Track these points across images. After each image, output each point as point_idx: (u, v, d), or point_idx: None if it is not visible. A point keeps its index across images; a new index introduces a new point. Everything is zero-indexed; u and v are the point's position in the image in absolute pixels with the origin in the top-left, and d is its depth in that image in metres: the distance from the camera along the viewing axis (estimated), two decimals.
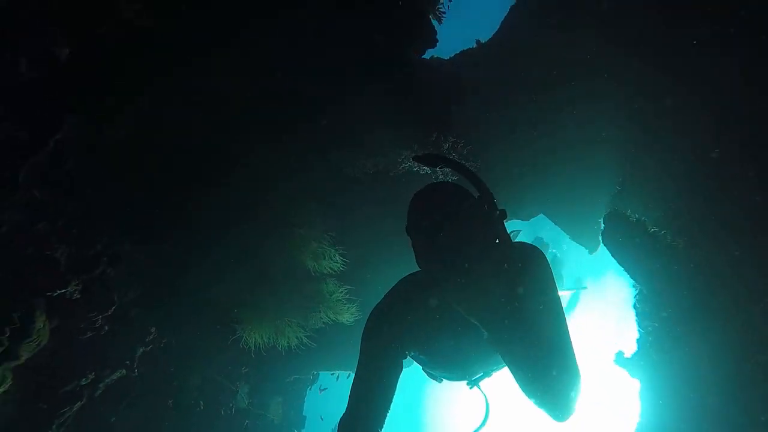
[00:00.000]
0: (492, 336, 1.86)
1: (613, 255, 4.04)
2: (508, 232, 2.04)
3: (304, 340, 6.21)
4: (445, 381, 2.63)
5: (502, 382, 2.57)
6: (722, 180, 4.20)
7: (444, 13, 6.29)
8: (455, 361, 2.31)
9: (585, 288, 9.64)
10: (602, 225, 4.19)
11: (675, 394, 4.20)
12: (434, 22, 6.26)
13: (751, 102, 4.26)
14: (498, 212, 2.01)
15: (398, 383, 2.19)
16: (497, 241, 1.99)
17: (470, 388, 2.61)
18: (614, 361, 5.18)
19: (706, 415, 3.83)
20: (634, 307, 4.32)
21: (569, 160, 7.18)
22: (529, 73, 6.80)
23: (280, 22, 4.17)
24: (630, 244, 3.82)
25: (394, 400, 2.15)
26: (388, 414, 2.12)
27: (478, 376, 2.53)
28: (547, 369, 1.82)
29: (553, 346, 1.87)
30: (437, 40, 5.80)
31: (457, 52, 6.93)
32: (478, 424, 2.66)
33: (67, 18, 3.42)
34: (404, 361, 2.26)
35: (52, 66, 3.49)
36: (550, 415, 1.88)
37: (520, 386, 1.92)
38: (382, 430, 2.10)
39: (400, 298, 2.23)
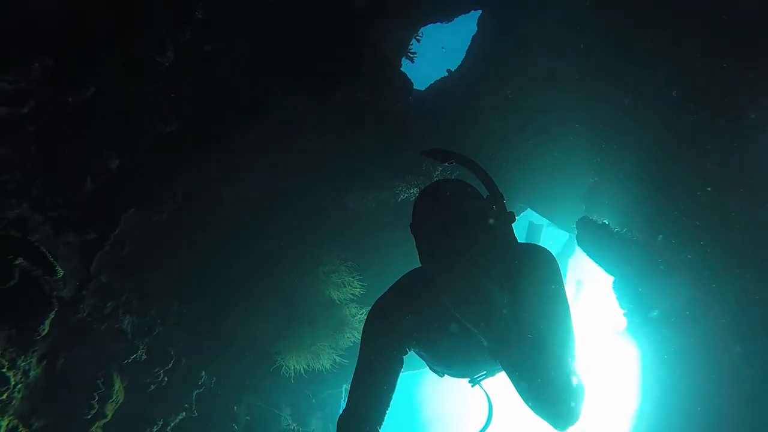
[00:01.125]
0: (492, 345, 1.78)
1: (588, 255, 4.77)
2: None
3: (337, 359, 7.00)
4: (447, 377, 2.59)
5: (506, 381, 2.38)
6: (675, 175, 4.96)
7: (415, 53, 7.08)
8: (456, 360, 2.26)
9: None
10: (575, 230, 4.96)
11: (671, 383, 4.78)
12: (406, 61, 7.06)
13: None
14: (507, 214, 1.97)
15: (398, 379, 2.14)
16: (503, 245, 1.94)
17: (472, 386, 2.52)
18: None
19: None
20: (615, 293, 5.05)
21: (548, 162, 7.95)
22: (496, 89, 7.57)
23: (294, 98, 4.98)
24: (600, 243, 4.56)
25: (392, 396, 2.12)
26: (387, 411, 2.07)
27: (480, 375, 2.50)
28: (549, 382, 1.74)
29: (558, 359, 1.79)
30: (411, 83, 6.56)
31: (432, 82, 7.68)
32: (481, 426, 2.57)
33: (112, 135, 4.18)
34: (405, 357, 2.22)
35: (107, 176, 4.25)
36: (551, 425, 1.81)
37: (519, 395, 1.86)
38: (381, 427, 2.05)
39: (402, 295, 2.17)
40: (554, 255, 2.09)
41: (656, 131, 5.27)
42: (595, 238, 4.64)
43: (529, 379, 1.76)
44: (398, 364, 2.12)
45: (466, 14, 7.03)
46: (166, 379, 5.99)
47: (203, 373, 6.68)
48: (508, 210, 1.99)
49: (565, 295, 1.97)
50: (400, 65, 6.86)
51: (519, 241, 2.19)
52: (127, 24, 3.54)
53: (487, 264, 1.77)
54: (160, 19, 3.71)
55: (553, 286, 1.95)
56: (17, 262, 3.45)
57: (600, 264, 4.77)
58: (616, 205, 5.46)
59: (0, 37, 3.06)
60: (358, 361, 2.11)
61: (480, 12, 7.08)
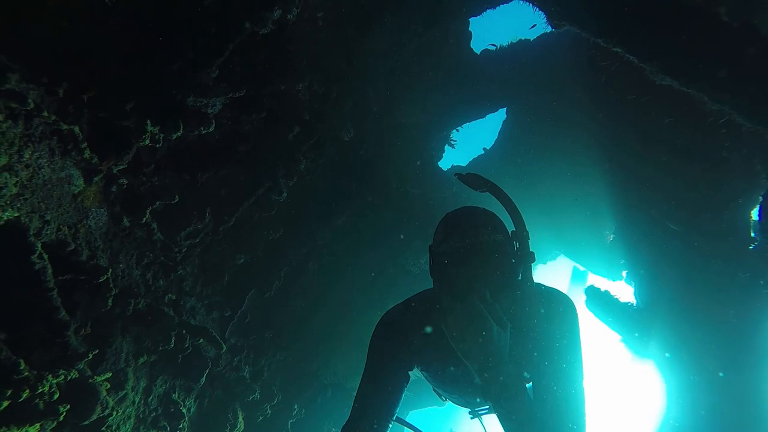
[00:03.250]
0: (484, 386, 1.69)
1: (596, 316, 5.96)
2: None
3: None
4: (449, 402, 2.53)
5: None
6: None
7: (455, 141, 8.68)
8: (458, 387, 2.19)
9: None
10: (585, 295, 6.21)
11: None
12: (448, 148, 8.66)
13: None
14: (527, 254, 1.88)
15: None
16: (518, 284, 1.86)
17: (471, 418, 2.41)
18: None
19: None
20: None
21: (574, 211, 9.19)
22: (527, 158, 8.98)
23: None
24: (604, 308, 5.76)
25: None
26: (390, 425, 2.00)
27: (483, 408, 2.41)
28: None
29: (559, 419, 1.68)
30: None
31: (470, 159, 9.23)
32: None
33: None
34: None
35: (236, 269, 6.06)
36: None
37: None
38: None
39: (412, 312, 2.12)
40: (573, 303, 1.98)
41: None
42: (599, 303, 5.87)
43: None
44: (403, 380, 2.05)
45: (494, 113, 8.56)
46: (269, 412, 7.72)
47: (295, 406, 8.38)
48: (530, 249, 1.89)
49: (579, 347, 1.86)
50: (444, 152, 8.48)
51: (550, 285, 2.10)
52: None
53: (494, 301, 1.71)
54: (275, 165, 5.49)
55: (566, 336, 1.86)
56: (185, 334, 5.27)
57: (606, 324, 5.99)
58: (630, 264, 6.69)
59: None
60: (363, 373, 2.05)
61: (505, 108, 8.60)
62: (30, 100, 3.15)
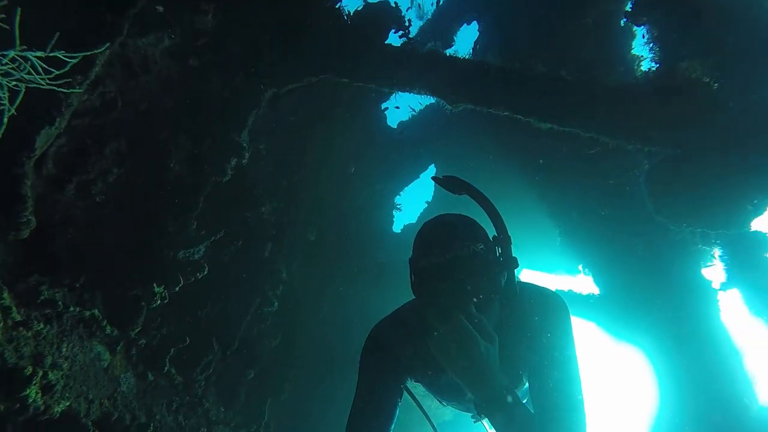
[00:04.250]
0: (477, 401, 1.69)
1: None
2: None
3: None
4: (450, 407, 2.47)
5: None
6: None
7: (400, 204, 9.62)
8: (454, 396, 2.16)
9: None
10: None
11: None
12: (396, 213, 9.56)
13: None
14: (511, 260, 1.83)
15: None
16: (503, 292, 1.82)
17: (474, 422, 2.31)
18: None
19: None
20: None
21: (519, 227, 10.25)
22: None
23: None
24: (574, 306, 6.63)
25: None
26: None
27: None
28: None
29: (561, 420, 1.69)
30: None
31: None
32: None
33: None
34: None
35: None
36: None
37: None
38: None
39: (399, 325, 2.07)
40: (563, 300, 1.97)
41: None
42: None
43: None
44: (396, 395, 2.00)
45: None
46: None
47: None
48: (513, 255, 1.84)
49: (572, 344, 1.86)
50: (393, 217, 9.39)
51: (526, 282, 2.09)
52: None
53: (481, 313, 1.69)
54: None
55: (558, 335, 1.86)
56: None
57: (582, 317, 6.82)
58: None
59: None
60: (356, 391, 1.99)
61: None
62: (59, 302, 3.71)
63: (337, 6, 5.13)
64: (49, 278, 3.65)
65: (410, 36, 5.44)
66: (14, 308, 3.36)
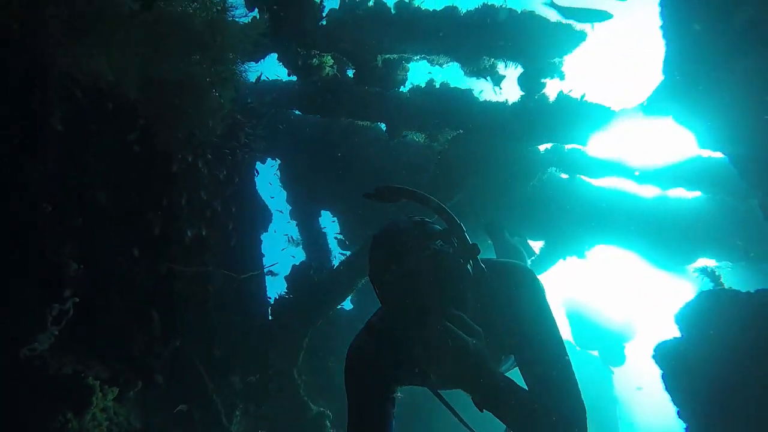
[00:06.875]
0: (482, 401, 1.68)
1: None
2: None
3: None
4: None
5: None
6: None
7: None
8: (447, 392, 2.07)
9: None
10: None
11: None
12: None
13: None
14: (470, 248, 1.79)
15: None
16: (472, 282, 1.79)
17: (481, 411, 2.11)
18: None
19: None
20: None
21: None
22: None
23: None
24: None
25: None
26: None
27: None
28: (553, 423, 1.64)
29: (558, 392, 1.71)
30: None
31: None
32: None
33: None
34: None
35: None
36: None
37: None
38: None
39: (376, 335, 2.02)
40: (530, 270, 2.00)
41: None
42: None
43: (536, 420, 1.66)
44: (390, 405, 1.97)
45: None
46: None
47: None
48: (470, 242, 1.82)
49: (549, 311, 1.88)
50: None
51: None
52: None
53: (459, 312, 1.65)
54: None
55: (533, 304, 1.87)
56: None
57: None
58: None
59: None
60: (348, 411, 1.97)
61: None
62: None
63: None
64: None
65: None
66: None
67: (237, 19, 5.12)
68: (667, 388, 3.67)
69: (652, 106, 4.98)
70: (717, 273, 3.82)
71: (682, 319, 3.74)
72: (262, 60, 6.05)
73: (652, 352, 3.97)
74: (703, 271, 3.93)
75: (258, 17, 5.71)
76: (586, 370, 11.63)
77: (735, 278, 6.08)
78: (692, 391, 3.50)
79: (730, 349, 3.45)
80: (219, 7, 4.30)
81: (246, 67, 5.62)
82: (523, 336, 1.84)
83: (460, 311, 1.68)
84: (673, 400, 3.66)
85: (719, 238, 6.39)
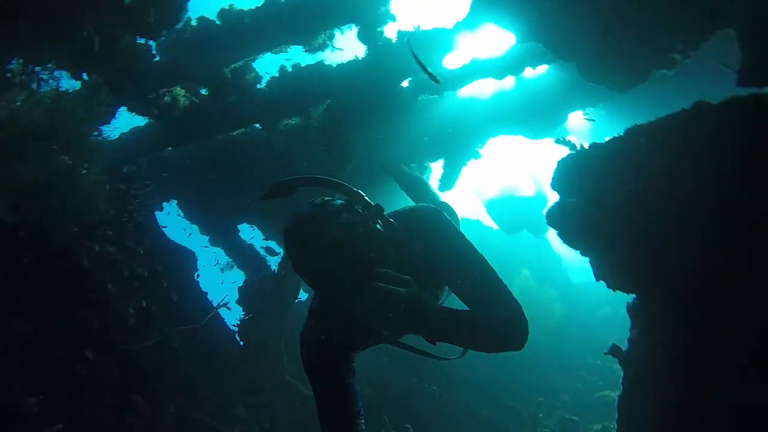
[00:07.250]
0: (426, 337, 1.81)
1: None
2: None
3: None
4: None
5: None
6: None
7: None
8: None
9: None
10: None
11: None
12: None
13: None
14: (374, 209, 1.92)
15: None
16: (386, 239, 1.90)
17: (434, 344, 2.11)
18: None
19: None
20: None
21: None
22: None
23: None
24: None
25: None
26: (363, 423, 2.06)
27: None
28: (498, 323, 1.82)
29: (495, 300, 1.86)
30: None
31: None
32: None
33: None
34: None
35: None
36: (511, 349, 1.87)
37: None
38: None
39: (322, 319, 2.13)
40: (436, 209, 2.11)
41: None
42: None
43: (483, 332, 1.83)
44: (351, 375, 2.13)
45: None
46: None
47: None
48: (373, 204, 1.94)
49: (466, 241, 2.02)
50: None
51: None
52: None
53: (383, 272, 1.73)
54: None
55: (452, 243, 2.01)
56: None
57: None
58: None
59: None
60: (314, 394, 2.11)
61: None
62: None
63: None
64: None
65: None
66: None
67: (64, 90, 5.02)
68: (565, 242, 4.19)
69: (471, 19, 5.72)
70: (571, 140, 4.32)
71: (555, 185, 4.26)
72: (114, 119, 5.90)
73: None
74: (558, 141, 4.46)
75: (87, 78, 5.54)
76: (527, 251, 12.98)
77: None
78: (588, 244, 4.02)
79: (607, 190, 3.81)
80: (50, 98, 4.22)
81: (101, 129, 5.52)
82: (447, 268, 2.00)
83: (385, 268, 1.77)
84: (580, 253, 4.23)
85: (576, 95, 7.22)
